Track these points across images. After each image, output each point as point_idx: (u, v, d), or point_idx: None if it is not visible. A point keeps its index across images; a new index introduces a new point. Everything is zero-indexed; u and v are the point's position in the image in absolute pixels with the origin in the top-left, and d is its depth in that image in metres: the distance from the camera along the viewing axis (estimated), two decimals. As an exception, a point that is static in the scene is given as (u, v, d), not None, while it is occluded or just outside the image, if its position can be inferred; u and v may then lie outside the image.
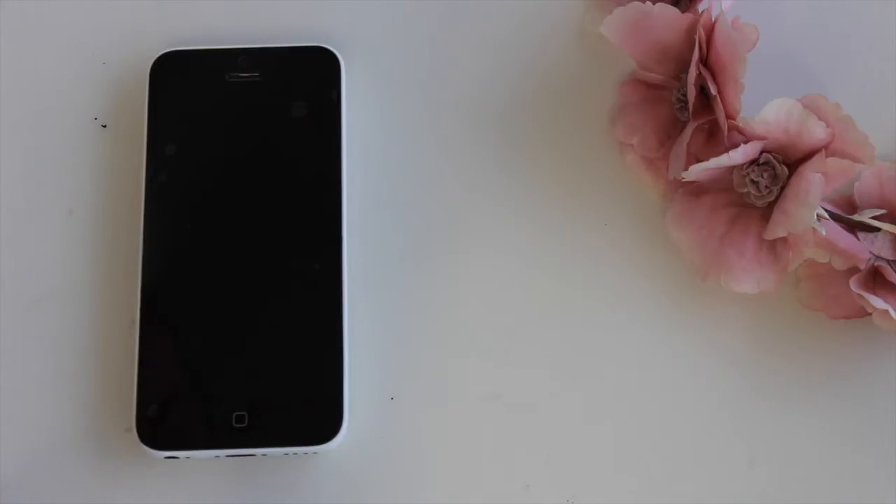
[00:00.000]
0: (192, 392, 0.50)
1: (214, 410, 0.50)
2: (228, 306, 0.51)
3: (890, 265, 0.51)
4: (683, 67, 0.52)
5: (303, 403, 0.50)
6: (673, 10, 0.51)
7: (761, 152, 0.50)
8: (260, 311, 0.51)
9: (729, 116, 0.50)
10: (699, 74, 0.50)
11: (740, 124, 0.50)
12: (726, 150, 0.49)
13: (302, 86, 0.54)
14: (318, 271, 0.51)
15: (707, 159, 0.49)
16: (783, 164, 0.50)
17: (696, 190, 0.52)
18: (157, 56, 0.54)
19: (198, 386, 0.50)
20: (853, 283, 0.50)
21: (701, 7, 0.52)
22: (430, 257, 0.53)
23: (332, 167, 0.53)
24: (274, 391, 0.50)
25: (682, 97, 0.52)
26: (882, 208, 0.51)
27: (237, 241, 0.52)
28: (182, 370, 0.50)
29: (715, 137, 0.52)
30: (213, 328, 0.51)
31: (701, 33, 0.50)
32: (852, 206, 0.52)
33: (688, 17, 0.51)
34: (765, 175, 0.50)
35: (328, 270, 0.51)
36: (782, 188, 0.50)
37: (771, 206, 0.51)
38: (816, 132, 0.49)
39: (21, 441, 0.51)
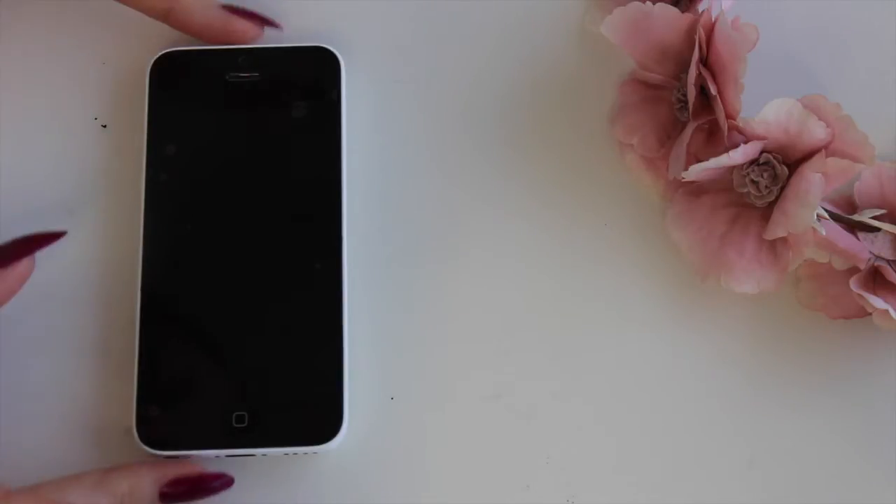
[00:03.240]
0: (192, 392, 0.50)
1: (214, 410, 0.50)
2: (229, 306, 0.51)
3: (890, 265, 0.51)
4: (683, 67, 0.52)
5: (303, 404, 0.50)
6: (673, 10, 0.51)
7: (761, 152, 0.50)
8: (260, 310, 0.51)
9: (729, 116, 0.50)
10: (699, 74, 0.50)
11: (740, 124, 0.50)
12: (726, 150, 0.49)
13: (302, 86, 0.54)
14: (318, 271, 0.51)
15: (707, 159, 0.49)
16: (783, 164, 0.50)
17: (696, 190, 0.52)
18: (157, 56, 0.54)
19: (198, 386, 0.50)
20: (853, 283, 0.50)
21: (701, 7, 0.52)
22: (430, 257, 0.53)
23: (332, 167, 0.53)
24: (274, 391, 0.50)
25: (682, 97, 0.52)
26: (882, 208, 0.51)
27: (237, 241, 0.52)
28: (182, 370, 0.50)
29: (715, 137, 0.52)
30: (214, 328, 0.51)
31: (701, 33, 0.50)
32: (852, 206, 0.52)
33: (688, 17, 0.51)
34: (765, 175, 0.50)
35: (328, 270, 0.51)
36: (782, 188, 0.50)
37: (771, 206, 0.51)
38: (816, 132, 0.49)
39: (21, 441, 0.51)
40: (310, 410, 0.50)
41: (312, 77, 0.54)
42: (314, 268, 0.51)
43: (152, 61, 0.54)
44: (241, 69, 0.54)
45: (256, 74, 0.54)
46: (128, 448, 0.50)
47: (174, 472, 0.48)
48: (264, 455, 0.50)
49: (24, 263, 0.49)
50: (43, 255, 0.51)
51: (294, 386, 0.50)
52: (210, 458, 0.50)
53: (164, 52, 0.54)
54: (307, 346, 0.51)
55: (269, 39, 0.55)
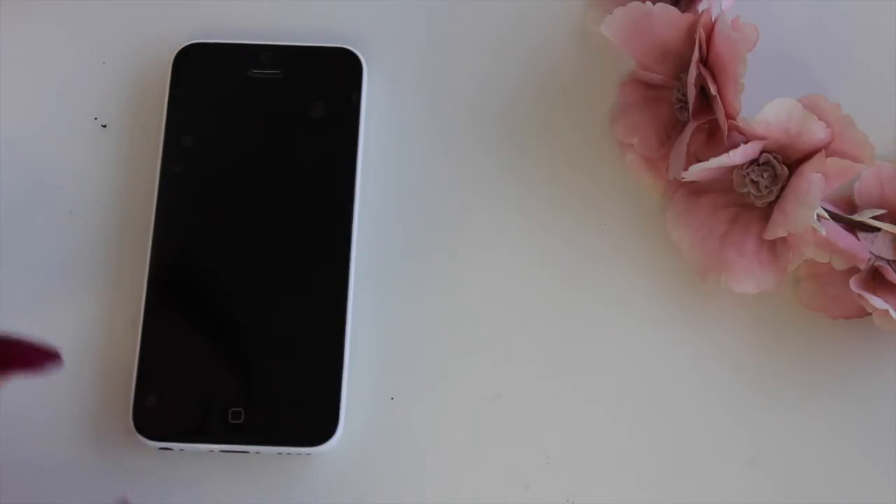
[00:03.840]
0: (191, 385, 0.50)
1: (212, 405, 0.50)
2: (234, 302, 0.51)
3: (890, 265, 0.51)
4: (683, 67, 0.52)
5: (299, 404, 0.50)
6: (673, 10, 0.51)
7: (761, 152, 0.50)
8: (265, 308, 0.51)
9: (729, 116, 0.50)
10: (699, 74, 0.50)
11: (740, 124, 0.50)
12: (726, 150, 0.49)
13: (323, 86, 0.54)
14: (325, 272, 0.51)
15: (707, 159, 0.49)
16: (783, 164, 0.50)
17: (696, 190, 0.52)
18: (181, 47, 0.54)
19: (197, 379, 0.50)
20: (853, 283, 0.50)
21: (701, 7, 0.52)
22: (430, 257, 0.53)
23: (346, 169, 0.52)
24: (272, 390, 0.50)
25: (682, 97, 0.52)
26: (882, 208, 0.51)
27: (246, 238, 0.52)
28: (182, 363, 0.50)
29: (715, 137, 0.52)
30: (218, 322, 0.51)
31: (701, 33, 0.50)
32: (852, 206, 0.52)
33: (688, 17, 0.51)
34: (765, 175, 0.50)
35: (336, 273, 0.51)
36: (782, 188, 0.50)
37: (771, 206, 0.51)
38: (816, 132, 0.49)
39: (20, 440, 0.51)
40: (306, 412, 0.50)
41: (334, 78, 0.54)
42: (322, 268, 0.51)
43: (176, 52, 0.54)
44: (264, 66, 0.54)
45: (278, 72, 0.54)
46: (128, 449, 0.50)
47: None
48: (258, 453, 0.50)
49: None
50: (43, 255, 0.51)
51: (292, 387, 0.50)
52: (204, 452, 0.50)
53: (188, 43, 0.54)
54: (309, 346, 0.50)
55: (292, 38, 0.55)
